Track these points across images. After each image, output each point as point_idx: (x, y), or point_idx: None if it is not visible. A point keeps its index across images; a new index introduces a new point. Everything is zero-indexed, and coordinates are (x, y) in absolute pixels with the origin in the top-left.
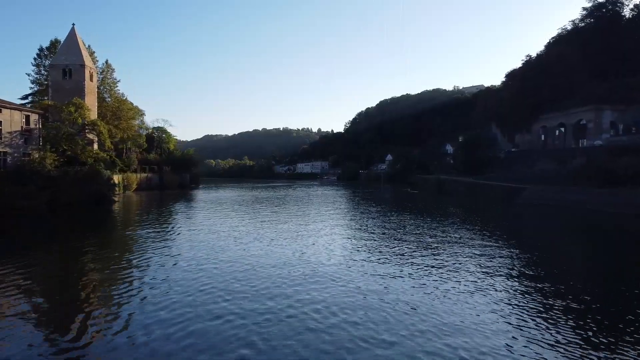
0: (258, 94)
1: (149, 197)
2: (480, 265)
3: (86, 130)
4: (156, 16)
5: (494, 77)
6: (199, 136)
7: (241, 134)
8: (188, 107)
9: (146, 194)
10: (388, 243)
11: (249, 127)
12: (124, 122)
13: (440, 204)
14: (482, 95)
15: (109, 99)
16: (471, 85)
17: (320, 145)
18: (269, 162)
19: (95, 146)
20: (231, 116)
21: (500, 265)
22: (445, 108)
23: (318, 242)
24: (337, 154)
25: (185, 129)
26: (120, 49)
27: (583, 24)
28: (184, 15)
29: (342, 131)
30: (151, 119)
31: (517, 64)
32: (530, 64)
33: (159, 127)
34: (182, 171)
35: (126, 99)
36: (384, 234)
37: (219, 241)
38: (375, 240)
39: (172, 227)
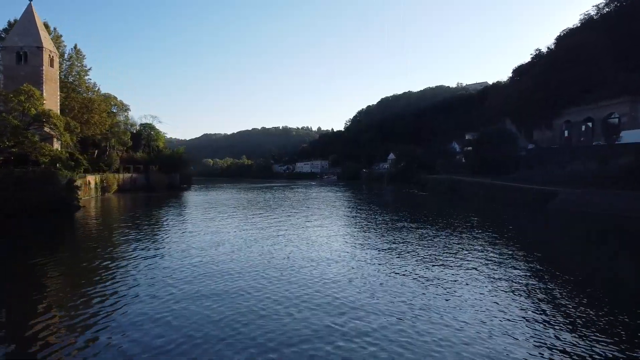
0: (258, 93)
1: (130, 200)
2: (516, 294)
3: (44, 124)
4: (156, 17)
5: (496, 74)
6: (198, 135)
7: (240, 133)
8: (187, 106)
9: (130, 196)
10: (405, 259)
11: (248, 126)
12: (96, 116)
13: (458, 210)
14: (492, 90)
15: (82, 90)
16: (474, 82)
17: (320, 144)
18: (268, 162)
19: (57, 145)
20: (230, 115)
21: (537, 293)
22: (448, 105)
23: (325, 265)
24: (337, 153)
25: (185, 128)
26: (120, 49)
27: (608, 9)
28: (184, 15)
29: (343, 130)
30: (139, 115)
31: (523, 59)
32: (551, 54)
33: (146, 123)
34: (171, 171)
35: (98, 89)
36: (400, 246)
37: (193, 271)
38: (391, 254)
39: (135, 245)
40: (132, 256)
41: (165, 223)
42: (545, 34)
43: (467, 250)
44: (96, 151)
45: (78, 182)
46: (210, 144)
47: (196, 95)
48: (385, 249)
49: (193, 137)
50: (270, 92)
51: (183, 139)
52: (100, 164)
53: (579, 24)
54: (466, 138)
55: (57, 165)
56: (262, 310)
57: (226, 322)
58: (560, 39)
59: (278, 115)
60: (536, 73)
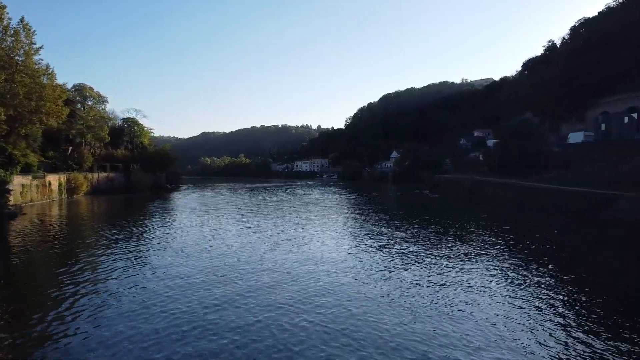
0: (257, 92)
1: (101, 204)
2: None
3: None
4: (153, 15)
5: (499, 70)
6: (197, 134)
7: (239, 132)
8: (186, 105)
9: (103, 198)
10: (443, 291)
11: (247, 125)
12: (49, 104)
13: (492, 220)
14: (503, 85)
15: (29, 72)
16: (480, 78)
17: (320, 143)
18: (266, 160)
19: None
20: (229, 114)
21: None
22: (453, 101)
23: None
24: (337, 152)
25: (183, 127)
26: (118, 47)
27: None
28: (181, 13)
29: (343, 127)
30: (121, 109)
31: (531, 53)
32: (579, 39)
33: (129, 118)
34: (157, 170)
35: (52, 72)
36: (434, 273)
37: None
38: (425, 282)
39: (70, 271)
40: (61, 288)
41: (126, 236)
42: (549, 28)
43: (531, 281)
44: (70, 147)
45: (34, 183)
46: (208, 143)
47: (195, 94)
48: (417, 277)
49: (191, 135)
50: (269, 91)
51: (182, 137)
52: (69, 161)
53: (613, 2)
54: (475, 135)
55: None
56: None
57: None
58: (580, 27)
59: (277, 113)
60: (561, 62)
